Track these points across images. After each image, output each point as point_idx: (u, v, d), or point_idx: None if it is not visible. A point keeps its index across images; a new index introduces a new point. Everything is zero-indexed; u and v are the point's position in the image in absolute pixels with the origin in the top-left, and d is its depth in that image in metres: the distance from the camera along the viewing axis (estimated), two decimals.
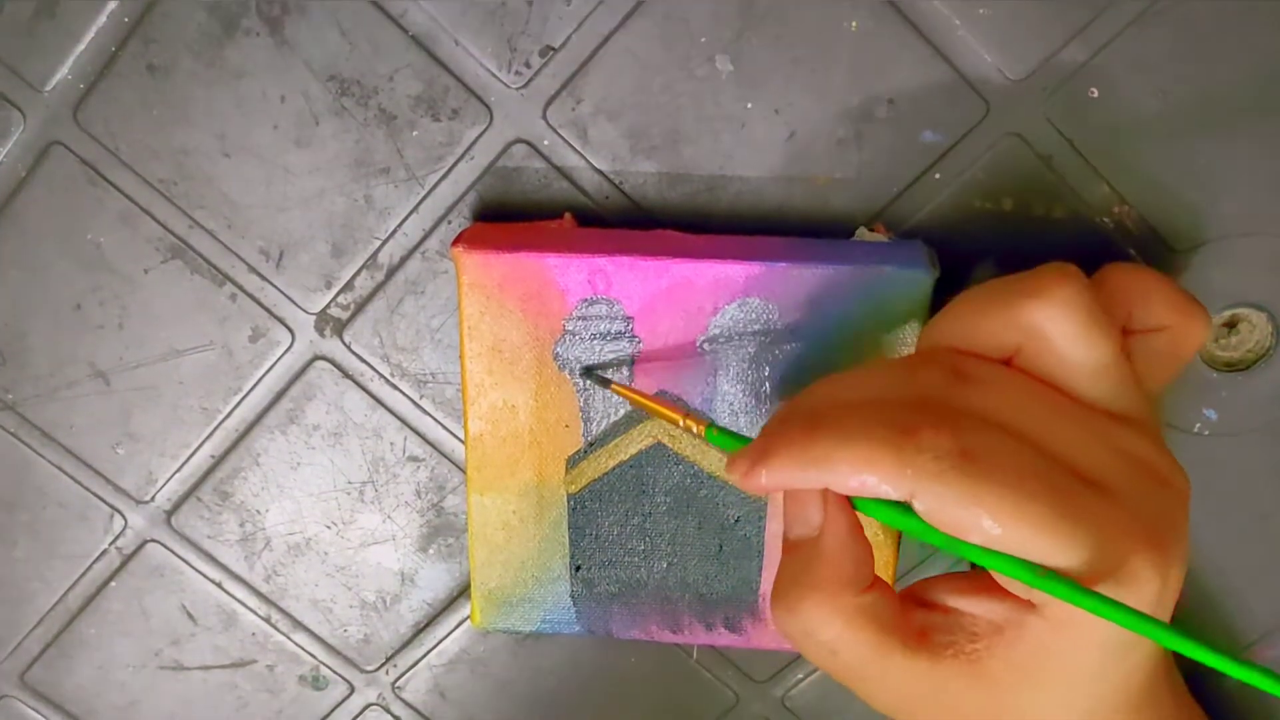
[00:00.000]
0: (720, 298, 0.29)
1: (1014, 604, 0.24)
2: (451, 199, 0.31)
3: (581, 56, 0.29)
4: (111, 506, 0.36)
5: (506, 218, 0.31)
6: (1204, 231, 0.30)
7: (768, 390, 0.30)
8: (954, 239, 0.30)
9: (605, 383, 0.29)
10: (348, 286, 0.33)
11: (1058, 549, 0.21)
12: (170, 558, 0.36)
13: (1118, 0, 0.28)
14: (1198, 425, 0.32)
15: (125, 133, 0.31)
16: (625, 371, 0.30)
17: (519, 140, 0.31)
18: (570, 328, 0.30)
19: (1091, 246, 0.30)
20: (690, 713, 0.38)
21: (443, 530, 0.35)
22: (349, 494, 0.35)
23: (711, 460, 0.31)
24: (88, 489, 0.36)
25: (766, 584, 0.32)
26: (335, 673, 0.38)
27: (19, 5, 0.30)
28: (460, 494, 0.35)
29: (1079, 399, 0.24)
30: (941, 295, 0.27)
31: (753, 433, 0.29)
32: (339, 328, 0.33)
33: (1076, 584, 0.21)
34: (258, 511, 0.36)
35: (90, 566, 0.37)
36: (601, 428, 0.31)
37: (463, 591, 0.36)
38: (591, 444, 0.31)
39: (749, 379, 0.30)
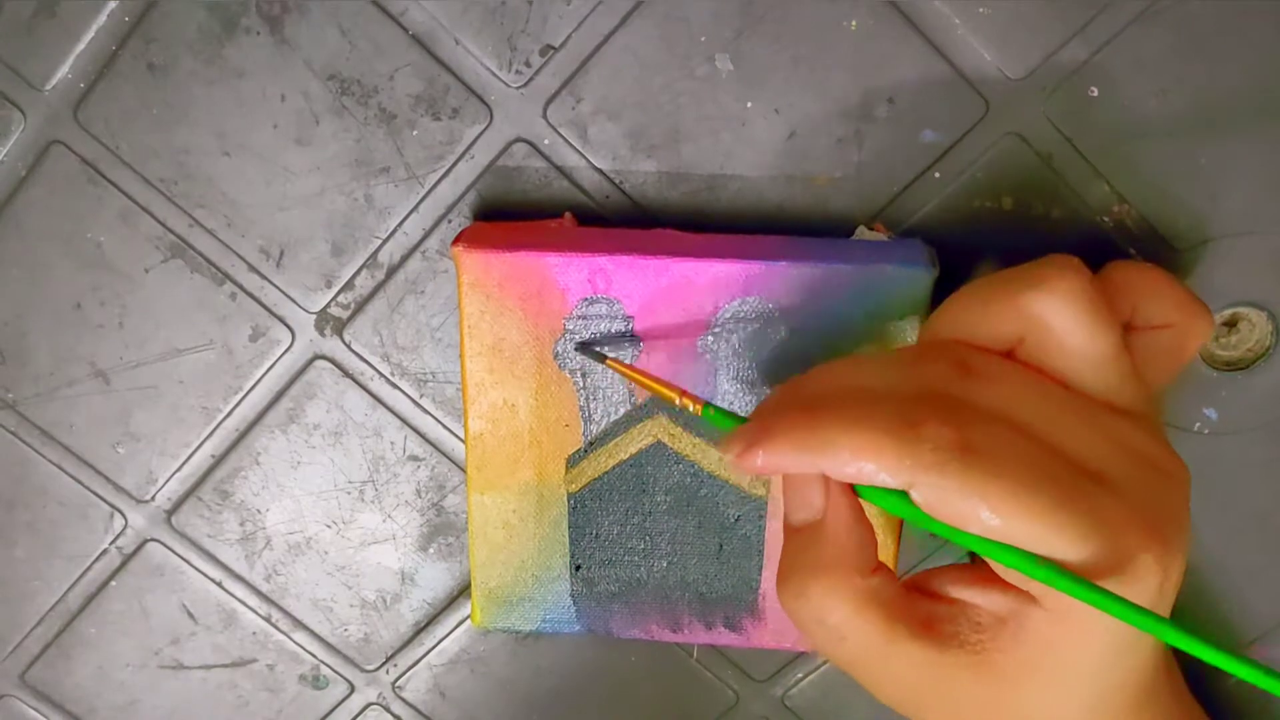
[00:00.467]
0: (720, 297, 0.29)
1: (1016, 595, 0.24)
2: (451, 198, 0.31)
3: (582, 56, 0.30)
4: (112, 506, 0.36)
5: (506, 217, 0.31)
6: (1203, 231, 0.30)
7: (767, 389, 0.30)
8: (954, 238, 0.30)
9: (601, 358, 0.29)
10: (348, 286, 0.33)
11: (1062, 542, 0.22)
12: (170, 557, 0.36)
13: None
14: (1198, 424, 0.32)
15: (125, 132, 0.31)
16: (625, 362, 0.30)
17: (519, 139, 0.31)
18: (571, 327, 0.30)
19: (1091, 245, 0.30)
20: (690, 712, 0.38)
21: (443, 530, 0.35)
22: (349, 493, 0.35)
23: (711, 460, 0.31)
24: (88, 488, 0.36)
25: (766, 583, 0.32)
26: (335, 672, 0.38)
27: (19, 5, 0.30)
28: (460, 493, 0.35)
29: (1081, 392, 0.24)
30: (941, 294, 0.27)
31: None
32: (339, 327, 0.33)
33: (1074, 575, 0.21)
34: (258, 511, 0.36)
35: (90, 566, 0.37)
36: (602, 427, 0.31)
37: (463, 591, 0.36)
38: (592, 443, 0.31)
39: (749, 378, 0.30)
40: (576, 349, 0.30)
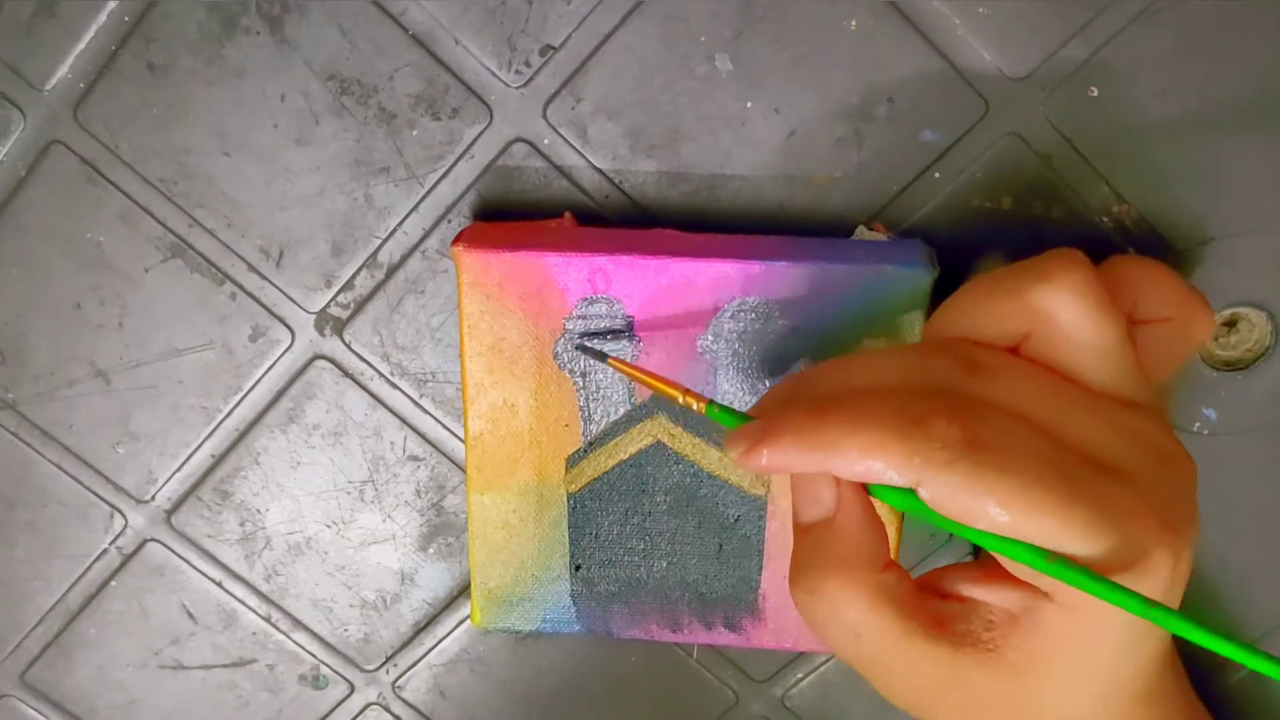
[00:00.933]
0: (720, 296, 0.29)
1: (1028, 592, 0.24)
2: (451, 198, 0.31)
3: (581, 55, 0.30)
4: (112, 506, 0.36)
5: (506, 217, 0.31)
6: (1203, 231, 0.30)
7: (767, 388, 0.30)
8: (953, 238, 0.30)
9: (602, 357, 0.29)
10: (348, 285, 0.33)
11: (1073, 537, 0.21)
12: (170, 557, 0.36)
13: None
14: (1198, 425, 0.32)
15: (125, 132, 0.31)
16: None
17: (519, 139, 0.31)
18: (570, 326, 0.30)
19: (1091, 245, 0.30)
20: (690, 712, 0.38)
21: (443, 530, 0.35)
22: (349, 493, 0.35)
23: (711, 460, 0.31)
24: (88, 488, 0.36)
25: (766, 583, 0.32)
26: (335, 672, 0.38)
27: (19, 5, 0.30)
28: (460, 493, 0.35)
29: (1088, 385, 0.24)
30: (941, 294, 0.27)
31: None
32: (339, 327, 0.33)
33: (1086, 569, 0.21)
34: (258, 511, 0.36)
35: (90, 566, 0.37)
36: (601, 427, 0.31)
37: (463, 591, 0.36)
38: (591, 443, 0.31)
39: (749, 378, 0.30)
40: (577, 349, 0.30)
